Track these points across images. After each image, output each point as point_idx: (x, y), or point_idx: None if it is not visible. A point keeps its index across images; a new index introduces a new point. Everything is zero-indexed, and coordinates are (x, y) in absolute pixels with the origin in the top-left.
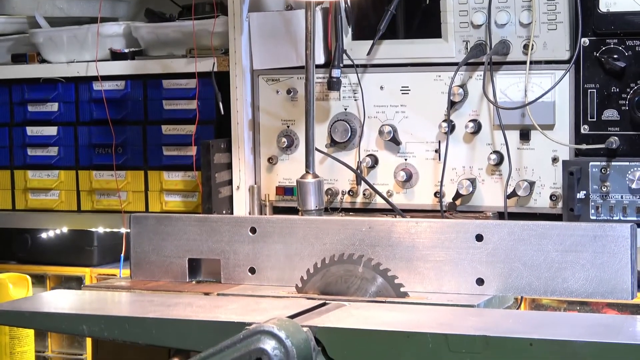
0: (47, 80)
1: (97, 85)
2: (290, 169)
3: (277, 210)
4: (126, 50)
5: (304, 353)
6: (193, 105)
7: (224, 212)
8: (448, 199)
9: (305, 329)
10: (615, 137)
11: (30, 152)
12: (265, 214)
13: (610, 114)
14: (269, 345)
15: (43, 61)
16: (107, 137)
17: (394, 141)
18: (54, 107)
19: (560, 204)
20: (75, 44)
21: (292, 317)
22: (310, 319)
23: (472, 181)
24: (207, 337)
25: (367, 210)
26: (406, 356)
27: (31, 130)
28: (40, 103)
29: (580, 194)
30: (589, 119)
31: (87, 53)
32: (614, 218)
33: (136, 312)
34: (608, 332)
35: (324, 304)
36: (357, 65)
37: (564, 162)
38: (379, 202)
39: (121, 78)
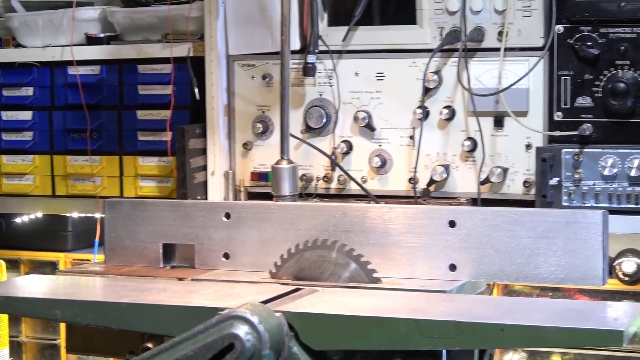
0: (22, 65)
1: (72, 70)
2: (265, 155)
3: (251, 196)
4: (102, 35)
5: (276, 338)
6: (168, 90)
7: (198, 197)
8: (422, 185)
9: (278, 314)
10: (589, 124)
11: (5, 136)
12: (240, 200)
13: (584, 101)
14: (241, 330)
15: (18, 45)
16: (82, 122)
17: (369, 127)
18: (29, 91)
19: (533, 191)
20: (51, 28)
21: (265, 302)
22: (283, 304)
23: (446, 167)
24: (181, 322)
25: (341, 196)
26: (378, 341)
27: (6, 115)
28: (15, 87)
29: (553, 181)
30: (563, 106)
31: (63, 37)
32: (586, 205)
33: (110, 297)
34: (579, 318)
35: (297, 290)
36: (333, 51)
37: (537, 148)
38: (353, 188)
39: (96, 63)
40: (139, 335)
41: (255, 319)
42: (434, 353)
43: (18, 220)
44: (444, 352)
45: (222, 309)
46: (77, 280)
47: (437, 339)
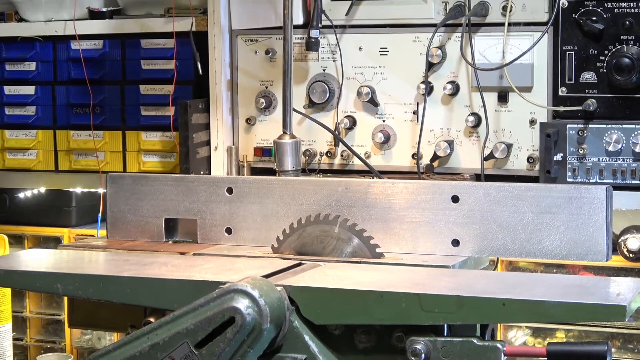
0: (25, 39)
1: (75, 45)
2: (268, 130)
3: (255, 171)
4: (104, 9)
5: (277, 312)
6: (171, 65)
7: (201, 172)
8: (426, 160)
9: (279, 288)
10: (593, 100)
11: (8, 111)
12: (243, 175)
13: (588, 76)
14: (242, 304)
15: (21, 20)
16: (85, 97)
17: (372, 102)
18: (31, 66)
19: (537, 166)
20: (54, 2)
21: (267, 276)
22: (284, 278)
23: (450, 143)
24: (182, 296)
25: (344, 171)
26: (379, 315)
27: (9, 90)
28: (18, 62)
29: (557, 156)
30: (567, 81)
31: (65, 12)
32: (591, 180)
33: (111, 271)
34: (581, 293)
35: (299, 264)
36: (336, 26)
37: (541, 124)
38: (356, 163)
39: (99, 37)
40: (141, 310)
41: (255, 293)
42: (436, 328)
43: (21, 195)
44: (446, 327)
45: (223, 283)
46: (79, 255)
47: (438, 314)
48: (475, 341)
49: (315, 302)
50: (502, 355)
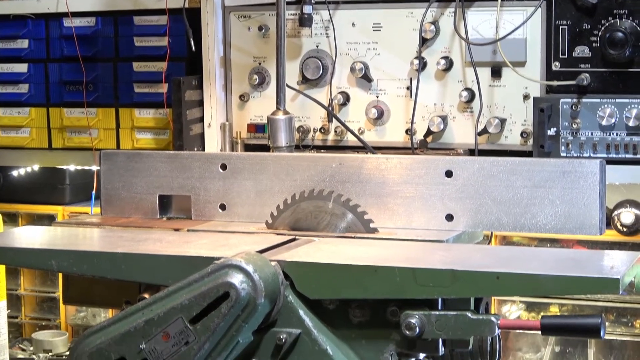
0: (17, 17)
1: (67, 22)
2: (262, 106)
3: (248, 147)
4: None
5: (271, 287)
6: (164, 42)
7: (195, 149)
8: (419, 136)
9: (273, 263)
10: (586, 74)
11: (1, 89)
12: (237, 151)
13: (582, 50)
14: (236, 279)
15: None
16: (78, 74)
17: (366, 78)
18: (24, 43)
19: (531, 141)
20: None
21: (261, 252)
22: (279, 253)
23: (444, 118)
24: (176, 272)
25: (338, 147)
26: (374, 290)
27: (1, 67)
28: (10, 40)
29: (551, 131)
30: (560, 56)
31: None
32: (584, 155)
33: (105, 247)
34: (575, 266)
35: (293, 240)
36: (329, 2)
37: (534, 99)
38: (350, 139)
39: (92, 14)
40: (136, 286)
41: (250, 268)
42: (430, 302)
43: (15, 173)
44: (440, 300)
45: (218, 259)
46: (73, 231)
47: (432, 288)
48: (469, 315)
49: (310, 276)
50: (497, 328)
